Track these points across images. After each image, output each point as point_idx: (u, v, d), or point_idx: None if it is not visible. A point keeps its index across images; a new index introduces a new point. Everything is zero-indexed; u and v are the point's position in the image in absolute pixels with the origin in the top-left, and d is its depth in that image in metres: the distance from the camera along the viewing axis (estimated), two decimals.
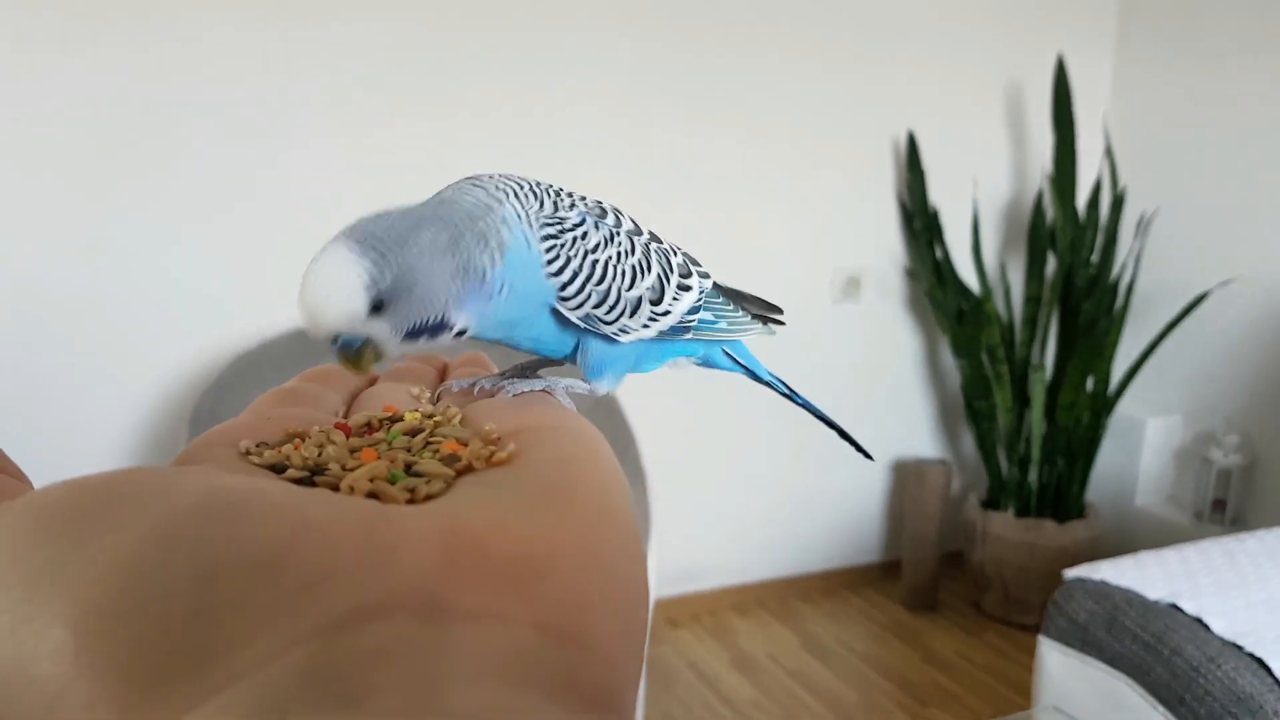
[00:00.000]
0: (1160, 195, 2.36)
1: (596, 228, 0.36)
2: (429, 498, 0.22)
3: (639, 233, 0.38)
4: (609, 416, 1.73)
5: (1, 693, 0.16)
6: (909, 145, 2.28)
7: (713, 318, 0.42)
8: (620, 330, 0.37)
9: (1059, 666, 1.55)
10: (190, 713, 0.15)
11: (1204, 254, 2.31)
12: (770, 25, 2.13)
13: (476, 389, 0.33)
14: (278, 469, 0.23)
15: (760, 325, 0.45)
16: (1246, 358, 2.27)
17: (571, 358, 0.37)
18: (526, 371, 0.37)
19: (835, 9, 2.19)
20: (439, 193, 0.35)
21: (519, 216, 0.34)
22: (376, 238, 0.30)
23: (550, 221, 0.35)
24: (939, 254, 2.31)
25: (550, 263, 0.34)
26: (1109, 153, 2.35)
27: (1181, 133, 2.39)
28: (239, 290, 1.80)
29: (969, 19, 2.33)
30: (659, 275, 0.38)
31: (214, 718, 0.15)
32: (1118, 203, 2.30)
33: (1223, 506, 2.23)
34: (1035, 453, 2.27)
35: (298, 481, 0.23)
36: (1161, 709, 1.38)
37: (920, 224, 2.30)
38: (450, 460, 0.24)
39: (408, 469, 0.23)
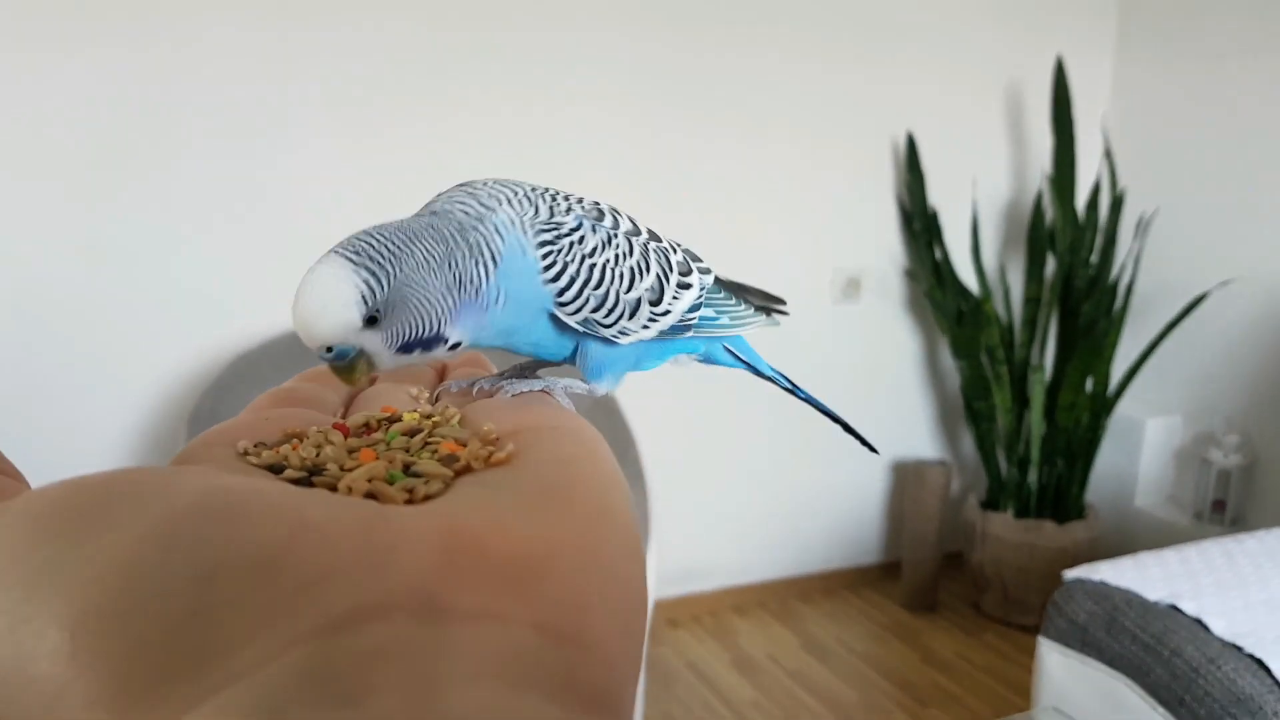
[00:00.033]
0: (1159, 196, 2.36)
1: (593, 231, 0.36)
2: (427, 498, 0.22)
3: (637, 233, 0.38)
4: (608, 418, 1.73)
5: (0, 693, 0.16)
6: (908, 146, 2.28)
7: (714, 313, 0.41)
8: (619, 333, 0.37)
9: (1058, 667, 1.55)
10: (189, 713, 0.15)
11: (1203, 254, 2.32)
12: (770, 26, 2.13)
13: (475, 389, 0.33)
14: (276, 469, 0.23)
15: (764, 317, 0.45)
16: (1246, 358, 2.27)
17: (571, 359, 0.37)
18: (525, 372, 0.36)
19: (835, 10, 2.19)
20: (430, 203, 0.35)
21: (513, 223, 0.34)
22: (372, 251, 0.30)
23: (546, 227, 0.34)
24: (938, 255, 2.31)
25: (547, 269, 0.34)
26: (1108, 153, 2.35)
27: (1181, 133, 2.39)
28: (239, 290, 1.80)
29: (968, 20, 2.33)
30: (658, 275, 0.38)
31: (213, 718, 0.15)
32: (1117, 203, 2.30)
33: (1222, 507, 2.23)
34: (1035, 453, 2.27)
35: (296, 482, 0.23)
36: (1161, 710, 1.38)
37: (920, 225, 2.30)
38: (449, 461, 0.24)
39: (406, 469, 0.23)
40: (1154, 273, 2.35)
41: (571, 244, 0.35)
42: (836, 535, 2.48)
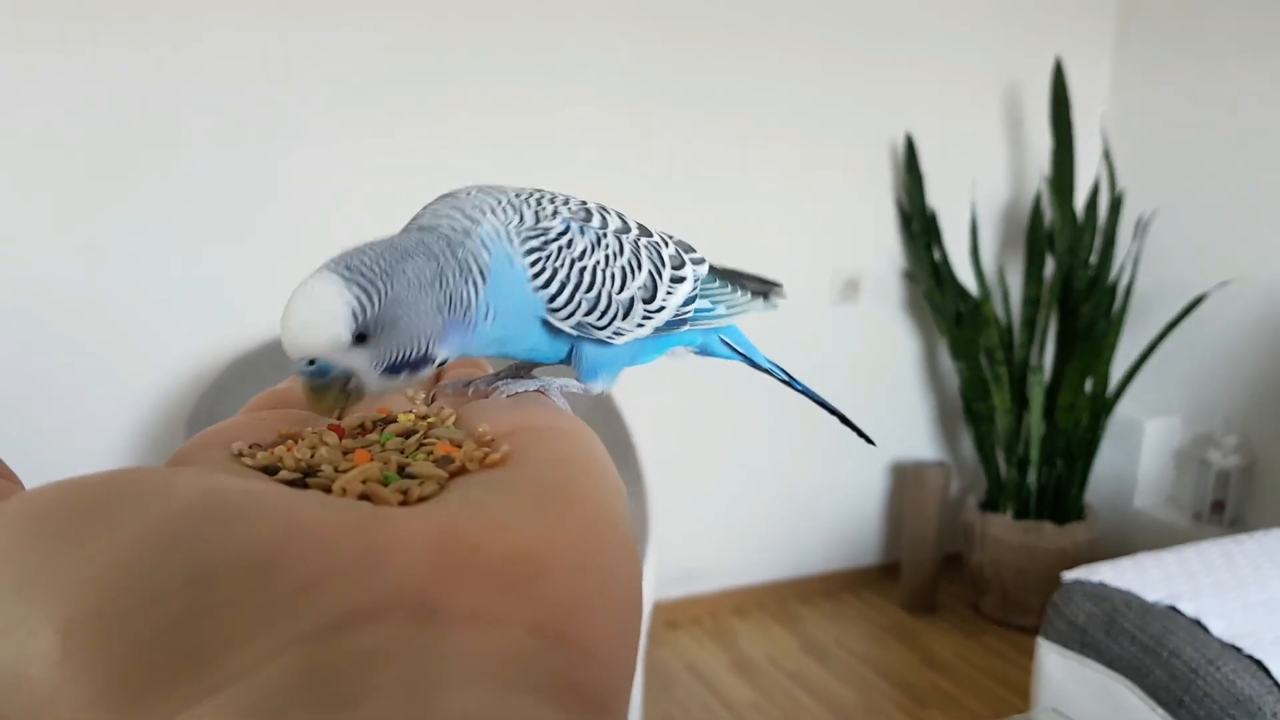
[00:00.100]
0: (1158, 197, 2.36)
1: (581, 233, 0.35)
2: (422, 500, 0.22)
3: (627, 229, 0.38)
4: (607, 419, 1.73)
5: None
6: (907, 147, 2.28)
7: (710, 304, 0.41)
8: (614, 333, 0.37)
9: (1058, 668, 1.55)
10: (185, 714, 0.15)
11: (1202, 255, 2.32)
12: (770, 27, 2.13)
13: (471, 390, 0.33)
14: (270, 471, 0.23)
15: (761, 301, 0.44)
16: (1245, 359, 2.27)
17: (567, 361, 0.37)
18: (520, 372, 0.36)
19: (834, 11, 2.19)
20: (416, 217, 0.34)
21: (498, 234, 0.33)
22: (363, 269, 0.29)
23: (532, 234, 0.34)
24: (937, 256, 2.31)
25: (536, 276, 0.34)
26: (1107, 154, 2.35)
27: (1180, 134, 2.39)
28: (239, 291, 1.80)
29: (967, 21, 2.33)
30: (650, 273, 0.37)
31: (210, 719, 0.15)
32: (1116, 204, 2.31)
33: (1221, 508, 2.23)
34: (1034, 455, 2.27)
35: (290, 483, 0.23)
36: (1160, 711, 1.38)
37: (918, 226, 2.30)
38: (444, 462, 0.24)
39: (401, 471, 0.23)
40: (1153, 273, 2.35)
41: (560, 248, 0.34)
42: (836, 536, 2.48)
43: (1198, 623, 1.41)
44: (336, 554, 0.18)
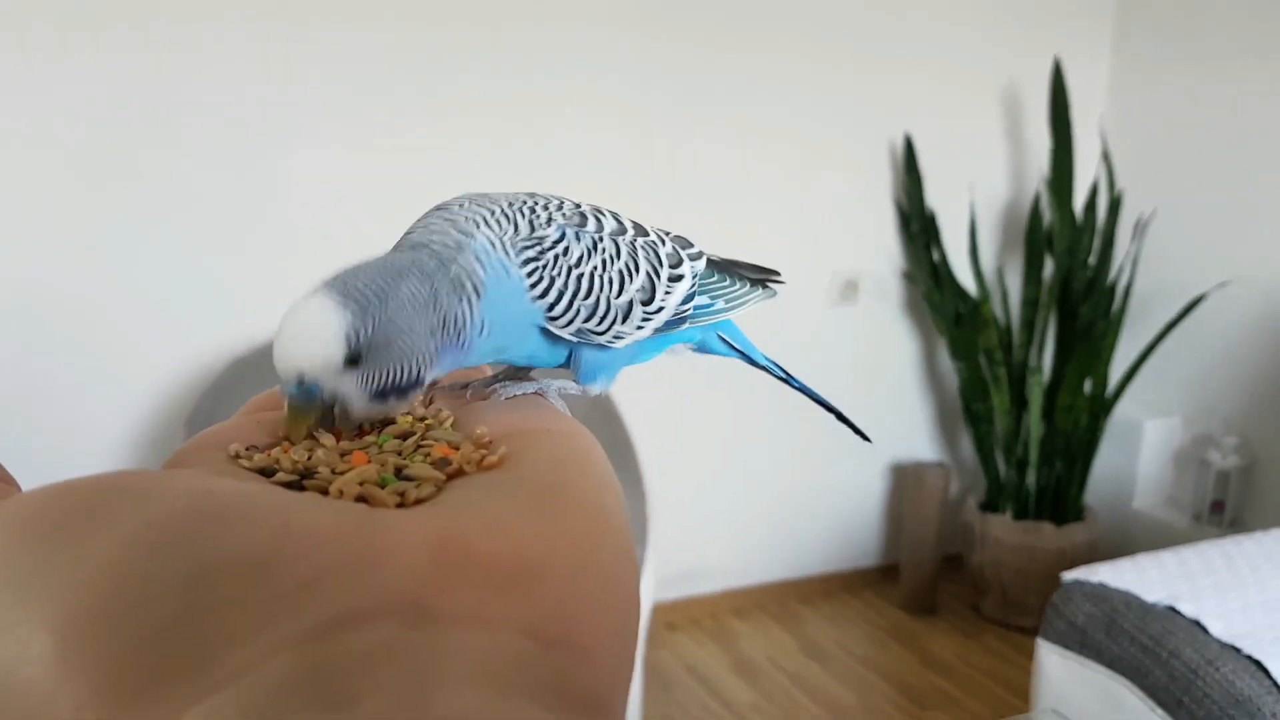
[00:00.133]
0: (1157, 197, 2.36)
1: (577, 239, 0.35)
2: (419, 502, 0.22)
3: (622, 231, 0.37)
4: (606, 421, 1.73)
5: None
6: (906, 148, 2.28)
7: (708, 300, 0.41)
8: (614, 337, 0.36)
9: (1058, 669, 1.55)
10: (187, 712, 0.15)
11: (1201, 256, 2.32)
12: (769, 28, 2.13)
13: (469, 392, 0.33)
14: (267, 473, 0.23)
15: (760, 290, 0.44)
16: (1244, 359, 2.27)
17: (566, 364, 0.37)
18: (519, 374, 0.36)
19: (833, 12, 2.19)
20: (409, 232, 0.34)
21: (493, 246, 0.33)
22: (358, 290, 0.29)
23: (528, 244, 0.34)
24: (936, 257, 2.31)
25: (533, 286, 0.34)
26: (1106, 155, 2.35)
27: (1178, 135, 2.39)
28: (238, 292, 1.80)
29: (966, 21, 2.33)
30: (648, 274, 0.37)
31: (211, 717, 0.15)
32: (1115, 205, 2.31)
33: (1221, 508, 2.23)
34: (1033, 455, 2.27)
35: (287, 485, 0.23)
36: (1160, 711, 1.38)
37: (917, 227, 2.30)
38: (441, 464, 0.24)
39: (398, 473, 0.23)
40: (1152, 274, 2.36)
41: (556, 256, 0.34)
42: (835, 537, 2.48)
43: (1197, 623, 1.41)
44: (333, 555, 0.18)
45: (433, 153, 1.89)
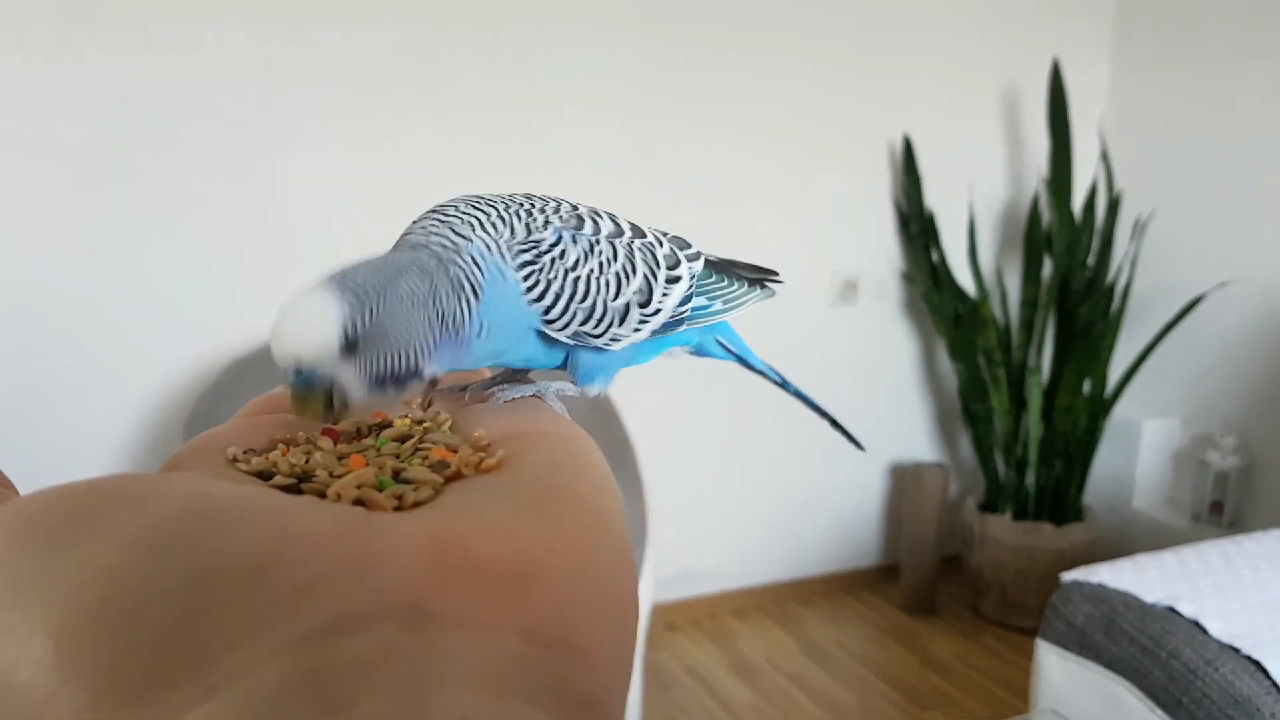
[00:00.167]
0: (1156, 198, 2.36)
1: (574, 242, 0.35)
2: (417, 505, 0.22)
3: (619, 233, 0.37)
4: (605, 422, 1.73)
5: None
6: (905, 149, 2.28)
7: (706, 301, 0.41)
8: (611, 340, 0.36)
9: (1057, 670, 1.55)
10: (187, 714, 0.15)
11: (1200, 256, 2.32)
12: (768, 28, 2.13)
13: (467, 394, 0.33)
14: (265, 476, 0.23)
15: (758, 290, 0.44)
16: (1243, 360, 2.27)
17: (563, 367, 0.37)
18: (517, 376, 0.36)
19: (832, 12, 2.19)
20: (406, 233, 0.34)
21: (490, 249, 0.33)
22: (356, 284, 0.29)
23: (524, 247, 0.34)
24: (935, 257, 2.31)
25: (530, 289, 0.34)
26: (1105, 156, 2.35)
27: (1177, 135, 2.39)
28: (238, 293, 1.80)
29: (965, 22, 2.33)
30: (645, 276, 0.37)
31: (211, 719, 0.15)
32: (1114, 205, 2.31)
33: (1220, 509, 2.23)
34: (1033, 456, 2.27)
35: (285, 488, 0.23)
36: (1159, 712, 1.38)
37: (916, 227, 2.30)
38: (439, 467, 0.24)
39: (396, 476, 0.23)
40: (1151, 274, 2.36)
41: (553, 260, 0.34)
42: (835, 538, 2.48)
43: (1196, 624, 1.41)
44: (331, 558, 0.18)
45: (433, 153, 1.89)
